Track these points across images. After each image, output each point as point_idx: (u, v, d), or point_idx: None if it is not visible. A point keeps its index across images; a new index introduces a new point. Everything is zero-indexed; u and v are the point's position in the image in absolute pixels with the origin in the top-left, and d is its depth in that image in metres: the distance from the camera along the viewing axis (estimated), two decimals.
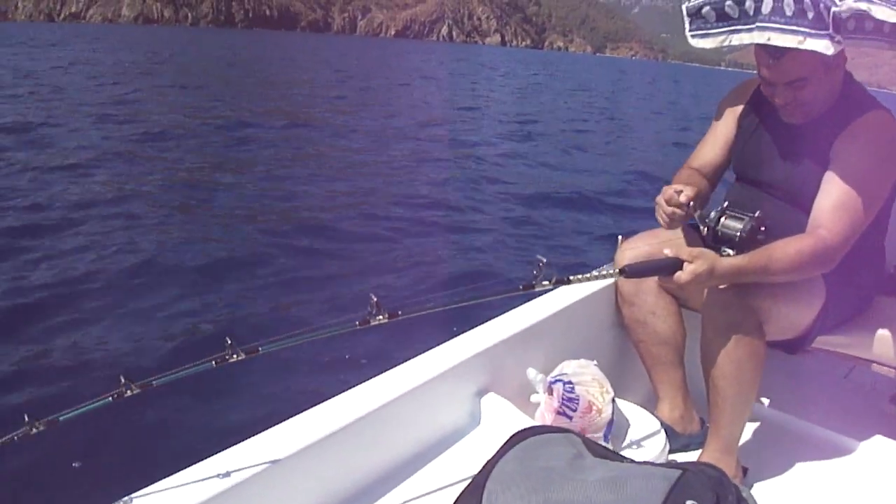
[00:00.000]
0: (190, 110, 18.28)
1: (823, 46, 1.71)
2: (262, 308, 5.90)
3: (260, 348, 1.52)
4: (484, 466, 1.36)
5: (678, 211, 2.06)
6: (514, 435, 1.45)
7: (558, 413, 1.97)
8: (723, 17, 1.96)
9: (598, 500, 1.23)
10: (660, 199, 2.12)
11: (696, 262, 1.86)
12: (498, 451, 1.40)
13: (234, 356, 1.49)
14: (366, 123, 18.29)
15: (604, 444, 1.93)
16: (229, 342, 1.49)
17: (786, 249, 1.92)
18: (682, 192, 2.06)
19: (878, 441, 2.43)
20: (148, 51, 47.79)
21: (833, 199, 1.98)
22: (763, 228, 2.02)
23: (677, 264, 1.88)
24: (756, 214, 2.04)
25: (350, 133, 16.48)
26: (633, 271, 1.93)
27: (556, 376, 2.05)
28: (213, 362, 1.49)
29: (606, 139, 19.40)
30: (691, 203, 2.06)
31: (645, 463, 1.43)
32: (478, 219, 9.48)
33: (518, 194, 11.23)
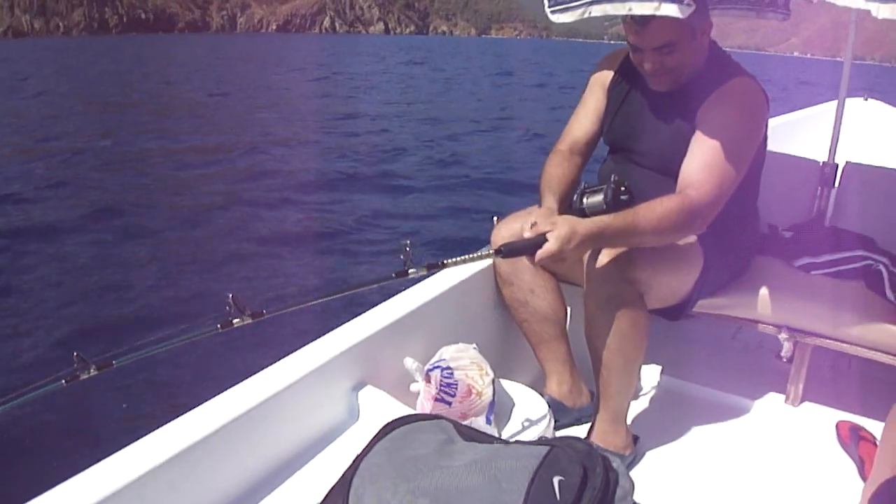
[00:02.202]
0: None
1: (675, 10, 1.72)
2: (117, 317, 5.56)
3: (114, 361, 1.42)
4: (352, 462, 1.34)
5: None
6: (383, 427, 1.42)
7: (437, 400, 1.96)
8: None
9: (466, 485, 1.22)
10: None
11: (558, 228, 1.85)
12: (367, 445, 1.37)
13: (86, 372, 1.38)
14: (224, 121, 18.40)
15: (486, 426, 1.93)
16: (80, 357, 1.38)
17: (653, 208, 1.93)
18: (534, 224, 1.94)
19: (769, 398, 2.52)
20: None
21: (700, 161, 2.01)
22: (624, 189, 2.02)
23: (543, 239, 1.87)
24: (612, 179, 2.04)
25: (205, 132, 16.46)
26: (509, 251, 1.92)
27: (434, 363, 2.03)
28: (63, 381, 1.37)
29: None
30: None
31: (515, 442, 1.43)
32: (345, 212, 9.22)
33: (389, 180, 11.23)
